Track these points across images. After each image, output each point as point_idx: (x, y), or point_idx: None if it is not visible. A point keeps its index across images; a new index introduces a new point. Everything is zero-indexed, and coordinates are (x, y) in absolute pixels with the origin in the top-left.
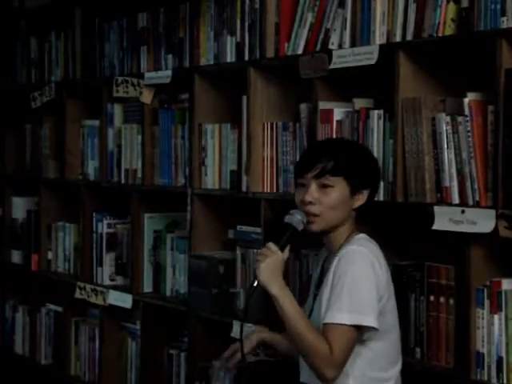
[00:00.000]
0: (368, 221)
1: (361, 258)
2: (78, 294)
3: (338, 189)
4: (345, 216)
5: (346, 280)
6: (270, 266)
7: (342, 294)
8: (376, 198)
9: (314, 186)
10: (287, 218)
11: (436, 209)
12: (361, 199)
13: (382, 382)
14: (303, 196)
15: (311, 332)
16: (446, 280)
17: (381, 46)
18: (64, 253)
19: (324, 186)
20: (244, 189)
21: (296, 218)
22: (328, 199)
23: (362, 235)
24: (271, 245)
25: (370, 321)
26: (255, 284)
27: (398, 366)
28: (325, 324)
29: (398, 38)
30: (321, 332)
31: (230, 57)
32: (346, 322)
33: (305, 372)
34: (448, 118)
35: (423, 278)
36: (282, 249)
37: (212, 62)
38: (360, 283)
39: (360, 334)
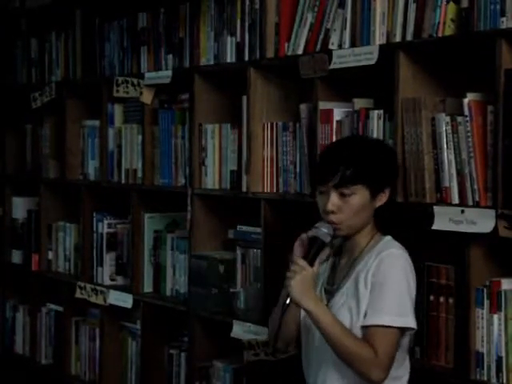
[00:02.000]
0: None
1: (404, 262)
2: (78, 294)
3: (359, 195)
4: (368, 218)
5: (393, 284)
6: (300, 282)
7: (390, 297)
8: None
9: (334, 195)
10: (314, 232)
11: (436, 209)
12: (383, 198)
13: (396, 379)
14: (325, 206)
15: (351, 339)
16: (445, 280)
17: (381, 46)
18: (64, 253)
19: (345, 194)
20: (244, 189)
21: (322, 232)
22: (349, 207)
23: (389, 237)
24: (300, 260)
25: (413, 322)
26: (288, 301)
27: (407, 365)
28: (370, 326)
29: (397, 38)
30: (358, 335)
31: (230, 57)
32: (396, 325)
33: (312, 371)
34: (448, 118)
35: (423, 277)
36: (310, 263)
37: (212, 62)
38: (405, 287)
39: (402, 336)
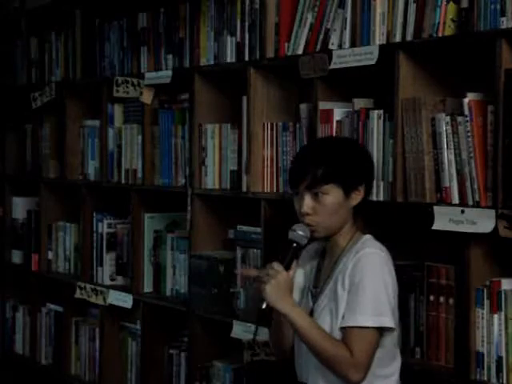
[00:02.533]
0: (368, 221)
1: (379, 261)
2: (78, 294)
3: (332, 195)
4: (344, 217)
5: (367, 283)
6: (276, 287)
7: (364, 297)
8: (376, 198)
9: (308, 197)
10: (290, 235)
11: (436, 209)
12: (358, 196)
13: (387, 377)
14: (300, 207)
15: (327, 341)
16: (445, 280)
17: (381, 46)
18: (64, 253)
19: (317, 195)
20: (244, 189)
21: (298, 234)
22: (324, 207)
23: (368, 236)
24: (275, 264)
25: (390, 322)
26: (264, 306)
27: (398, 362)
28: (346, 327)
29: (397, 38)
30: (338, 337)
31: (230, 57)
32: (370, 325)
33: (303, 371)
34: (448, 118)
35: (423, 277)
36: (287, 266)
37: (212, 62)
38: (381, 286)
39: (380, 335)
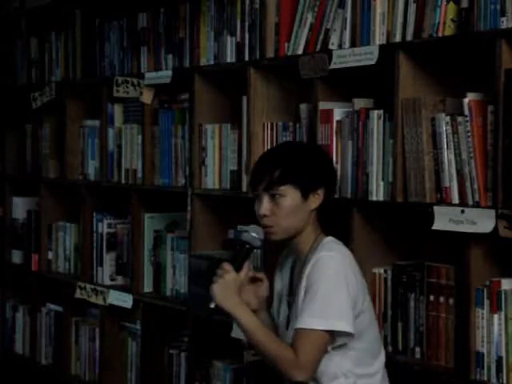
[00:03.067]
0: (368, 220)
1: (333, 264)
2: (78, 294)
3: (289, 196)
4: (303, 220)
5: (319, 286)
6: (223, 286)
7: (314, 300)
8: (376, 198)
9: (266, 199)
10: (244, 236)
11: (436, 209)
12: (317, 200)
13: (371, 376)
14: (258, 210)
15: (272, 340)
16: (445, 280)
17: (381, 46)
18: (64, 253)
19: (275, 196)
20: (244, 189)
21: (251, 236)
22: (281, 209)
23: (330, 238)
24: (225, 264)
25: (342, 326)
26: (212, 306)
27: (382, 359)
28: (295, 329)
29: (397, 38)
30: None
31: (230, 57)
32: (316, 327)
33: None
34: (448, 118)
35: (423, 277)
36: (238, 267)
37: (212, 62)
38: (333, 289)
39: (332, 337)
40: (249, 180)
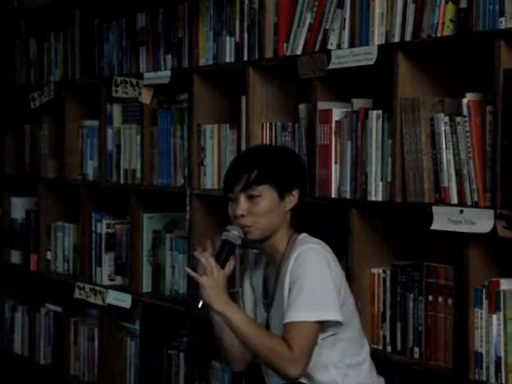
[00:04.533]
0: (366, 221)
1: (315, 256)
2: (77, 294)
3: (266, 196)
4: (279, 220)
5: (304, 279)
6: (212, 285)
7: (300, 293)
8: (375, 199)
9: (242, 199)
10: (224, 235)
11: (434, 209)
12: (292, 200)
13: (359, 365)
14: (234, 210)
15: (265, 336)
16: (444, 280)
17: (379, 46)
18: (63, 253)
19: (252, 197)
20: None
21: (232, 234)
22: (258, 208)
23: (304, 235)
24: (211, 262)
25: (331, 315)
26: (199, 305)
27: (367, 347)
28: (285, 324)
29: (396, 39)
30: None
31: (229, 57)
32: (307, 319)
33: (272, 379)
34: (446, 119)
35: (422, 277)
36: (222, 266)
37: (211, 63)
38: (318, 280)
39: (322, 328)
40: (223, 181)
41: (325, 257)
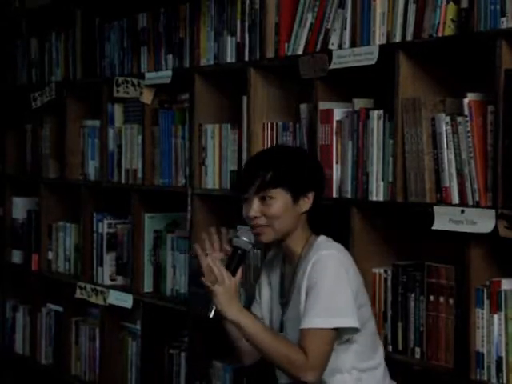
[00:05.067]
0: (368, 221)
1: (333, 262)
2: (78, 294)
3: (280, 199)
4: (293, 222)
5: (321, 285)
6: (225, 294)
7: (317, 299)
8: (376, 198)
9: (256, 201)
10: (235, 241)
11: (436, 209)
12: (307, 203)
13: (373, 369)
14: (248, 212)
15: (280, 343)
16: (445, 280)
17: (381, 46)
18: (64, 253)
19: (265, 198)
20: None
21: (242, 241)
22: (271, 211)
23: (323, 237)
24: (223, 270)
25: (349, 322)
26: (211, 315)
27: (381, 352)
28: (301, 330)
29: (397, 39)
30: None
31: (230, 57)
32: (324, 326)
33: (284, 374)
34: (448, 119)
35: (423, 277)
36: (233, 273)
37: (212, 63)
38: (336, 286)
39: (338, 335)
40: (238, 182)
41: (342, 262)
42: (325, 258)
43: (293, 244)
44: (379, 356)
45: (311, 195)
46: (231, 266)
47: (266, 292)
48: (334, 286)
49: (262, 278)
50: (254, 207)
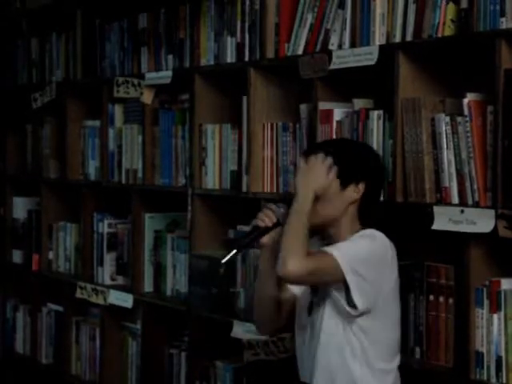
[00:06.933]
0: (367, 221)
1: (372, 236)
2: (78, 294)
3: None
4: (339, 210)
5: (354, 243)
6: (306, 170)
7: (345, 242)
8: None
9: None
10: (277, 212)
11: (435, 209)
12: (356, 193)
13: (386, 373)
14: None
15: (303, 235)
16: (445, 280)
17: (380, 46)
18: (65, 253)
19: None
20: (244, 189)
21: (279, 211)
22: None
23: (372, 229)
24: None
25: (359, 268)
26: (224, 260)
27: (398, 361)
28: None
29: (397, 39)
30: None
31: (230, 57)
32: (335, 254)
33: (306, 371)
34: (447, 119)
35: (423, 277)
36: (265, 232)
37: (212, 63)
38: (363, 247)
39: (340, 276)
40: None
41: (382, 242)
42: (366, 233)
43: (337, 234)
44: (395, 362)
45: (362, 186)
46: (267, 231)
47: None
48: (361, 245)
49: None
50: None
